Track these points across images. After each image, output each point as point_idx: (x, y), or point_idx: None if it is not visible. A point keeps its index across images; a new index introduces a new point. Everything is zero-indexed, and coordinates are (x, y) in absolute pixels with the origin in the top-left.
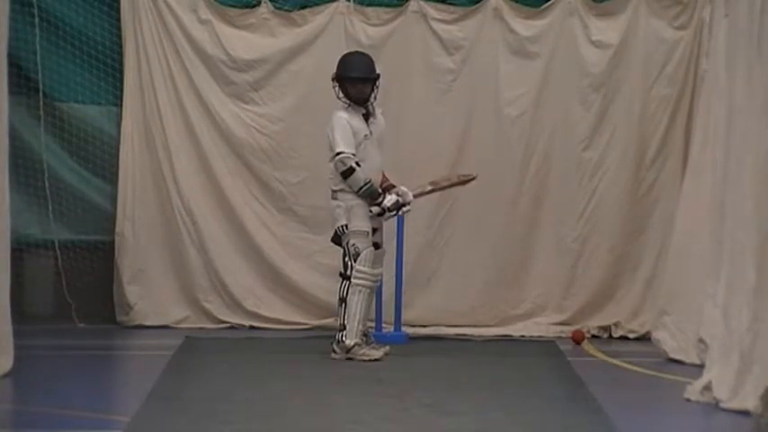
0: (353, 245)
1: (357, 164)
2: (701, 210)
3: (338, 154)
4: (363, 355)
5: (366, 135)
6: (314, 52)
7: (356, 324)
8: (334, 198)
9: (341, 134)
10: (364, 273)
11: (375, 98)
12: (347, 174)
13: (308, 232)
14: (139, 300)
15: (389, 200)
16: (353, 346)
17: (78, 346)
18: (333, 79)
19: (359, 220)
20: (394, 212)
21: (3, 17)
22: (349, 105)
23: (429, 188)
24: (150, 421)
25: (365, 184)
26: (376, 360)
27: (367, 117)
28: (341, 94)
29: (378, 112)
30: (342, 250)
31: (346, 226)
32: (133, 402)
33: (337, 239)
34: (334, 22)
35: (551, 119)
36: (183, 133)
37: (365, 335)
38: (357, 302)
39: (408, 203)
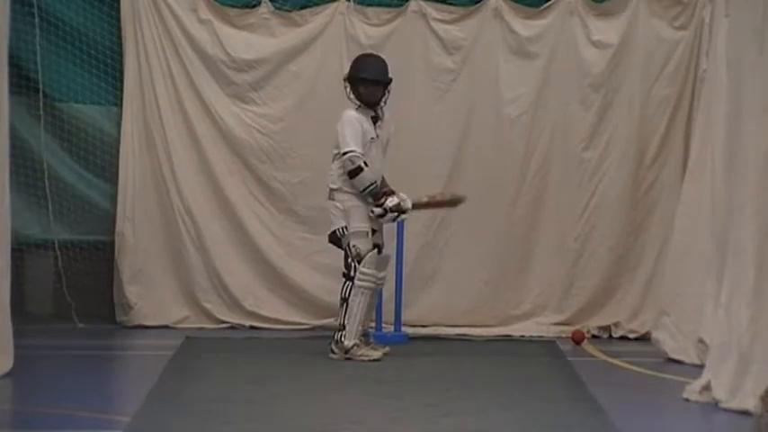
0: (354, 246)
1: (365, 163)
2: (701, 210)
3: (347, 152)
4: (362, 355)
5: (372, 138)
6: (314, 52)
7: (356, 325)
8: (331, 198)
9: (351, 133)
10: (368, 275)
11: (386, 102)
12: (354, 173)
13: (308, 232)
14: (139, 300)
15: (392, 200)
16: (352, 347)
17: (78, 346)
18: (345, 79)
19: (358, 220)
20: (395, 214)
21: (3, 17)
22: (359, 107)
23: (425, 200)
24: (150, 421)
25: (370, 185)
26: (375, 360)
27: (375, 120)
28: (351, 95)
29: (388, 115)
30: (343, 252)
31: (346, 228)
32: (133, 402)
33: (336, 241)
34: (335, 22)
35: (551, 119)
36: (183, 133)
37: (365, 335)
38: (359, 304)
39: (407, 211)
